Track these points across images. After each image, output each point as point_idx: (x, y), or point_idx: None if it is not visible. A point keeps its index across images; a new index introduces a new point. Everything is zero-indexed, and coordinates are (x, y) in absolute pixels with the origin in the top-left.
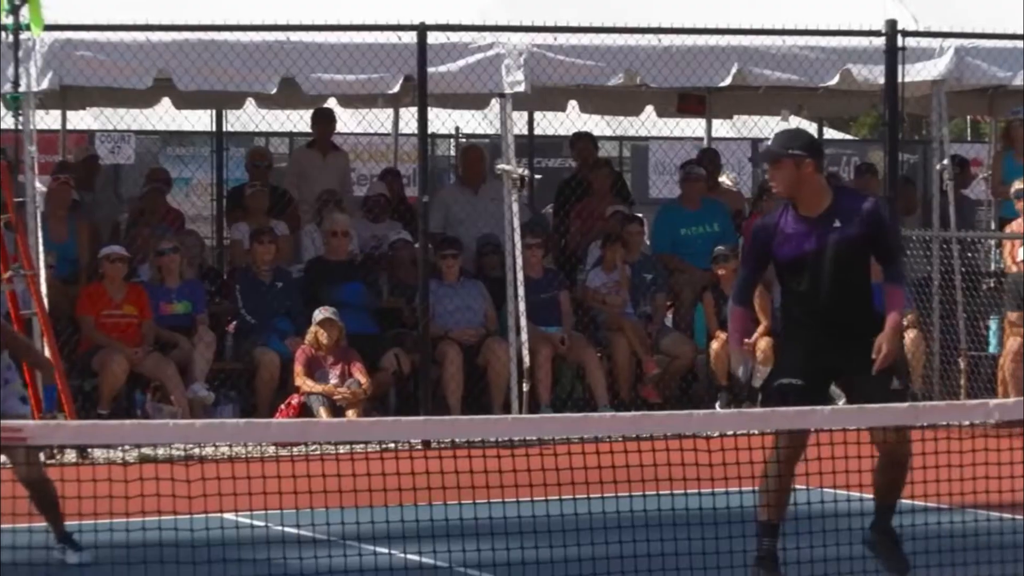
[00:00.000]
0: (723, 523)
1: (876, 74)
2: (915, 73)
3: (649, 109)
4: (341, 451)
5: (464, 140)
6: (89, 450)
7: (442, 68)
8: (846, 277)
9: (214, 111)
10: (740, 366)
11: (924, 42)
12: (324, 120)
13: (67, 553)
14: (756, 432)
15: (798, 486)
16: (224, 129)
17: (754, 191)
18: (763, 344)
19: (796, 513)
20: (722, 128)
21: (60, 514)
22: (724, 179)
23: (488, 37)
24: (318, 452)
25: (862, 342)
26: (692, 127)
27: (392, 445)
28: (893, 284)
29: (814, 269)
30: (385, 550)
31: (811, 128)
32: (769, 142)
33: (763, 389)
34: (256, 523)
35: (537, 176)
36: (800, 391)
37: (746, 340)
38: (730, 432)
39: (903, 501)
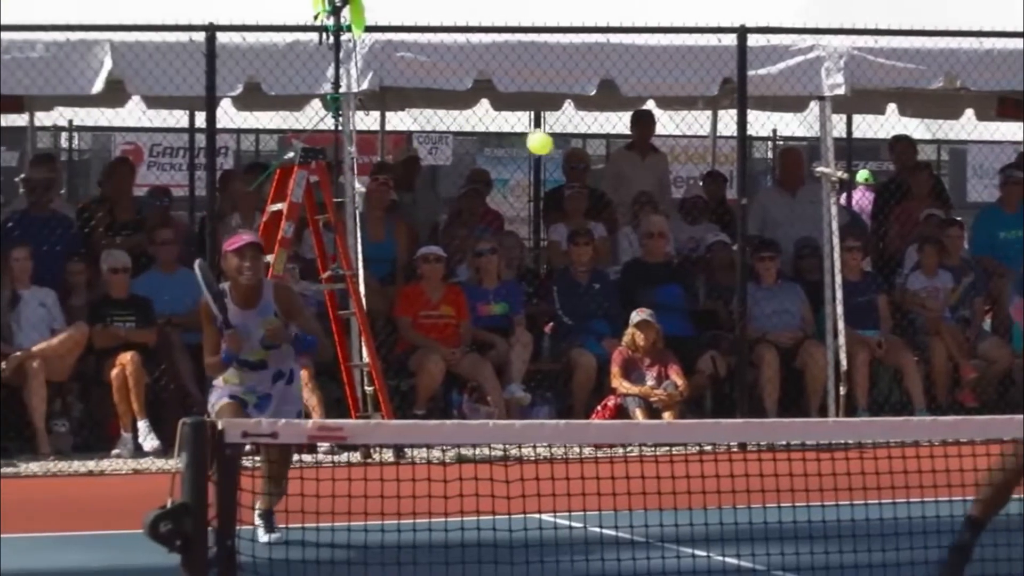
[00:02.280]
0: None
1: None
2: None
3: (969, 112)
4: (658, 453)
5: (782, 143)
6: (406, 450)
7: (761, 70)
8: None
9: (532, 112)
10: None
11: None
12: (643, 122)
13: (258, 532)
14: None
15: None
16: (543, 131)
17: None
18: None
19: None
20: None
21: (276, 502)
22: None
23: (808, 39)
24: (635, 454)
25: None
26: (1012, 131)
27: (709, 448)
28: None
29: None
30: (703, 552)
31: None
32: None
33: None
34: (574, 524)
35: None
36: None
37: None
38: None
39: None
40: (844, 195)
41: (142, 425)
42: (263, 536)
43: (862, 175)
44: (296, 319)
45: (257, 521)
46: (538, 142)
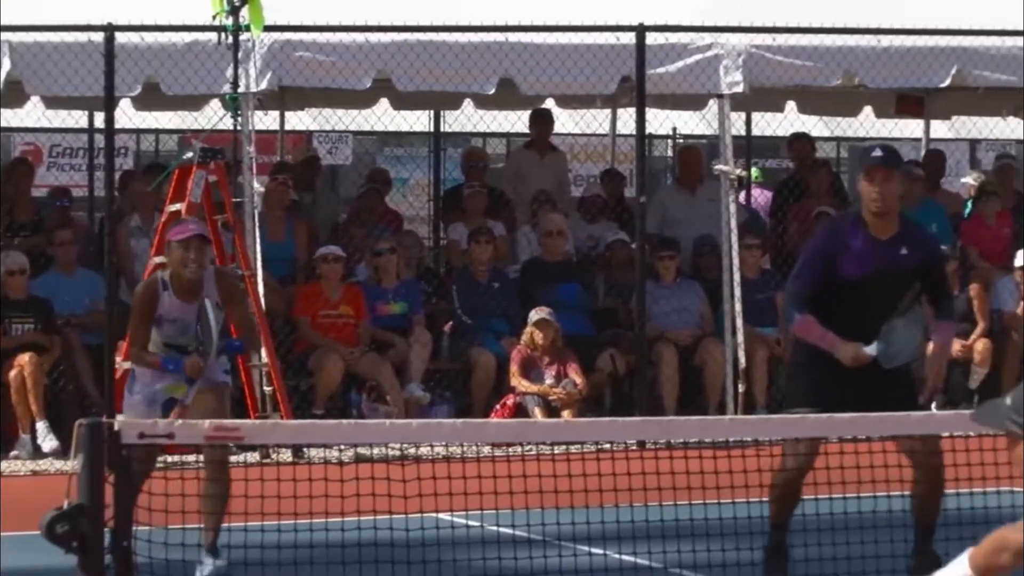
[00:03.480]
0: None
1: None
2: None
3: (867, 110)
4: (556, 451)
5: (681, 141)
6: (304, 450)
7: (660, 69)
8: (896, 305)
9: (432, 112)
10: (866, 348)
11: None
12: (542, 121)
13: (204, 564)
14: (972, 434)
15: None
16: (441, 130)
17: (973, 192)
18: (980, 346)
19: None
20: (940, 129)
21: (220, 522)
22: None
23: (707, 38)
24: (534, 452)
25: (898, 372)
26: (910, 128)
27: (608, 446)
28: (945, 319)
29: (873, 292)
30: (600, 551)
31: None
32: (876, 151)
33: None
34: (471, 523)
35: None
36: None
37: (963, 342)
38: (946, 433)
39: None
40: (744, 193)
41: (41, 426)
42: (208, 568)
43: (753, 172)
44: (234, 308)
45: (204, 558)
46: None
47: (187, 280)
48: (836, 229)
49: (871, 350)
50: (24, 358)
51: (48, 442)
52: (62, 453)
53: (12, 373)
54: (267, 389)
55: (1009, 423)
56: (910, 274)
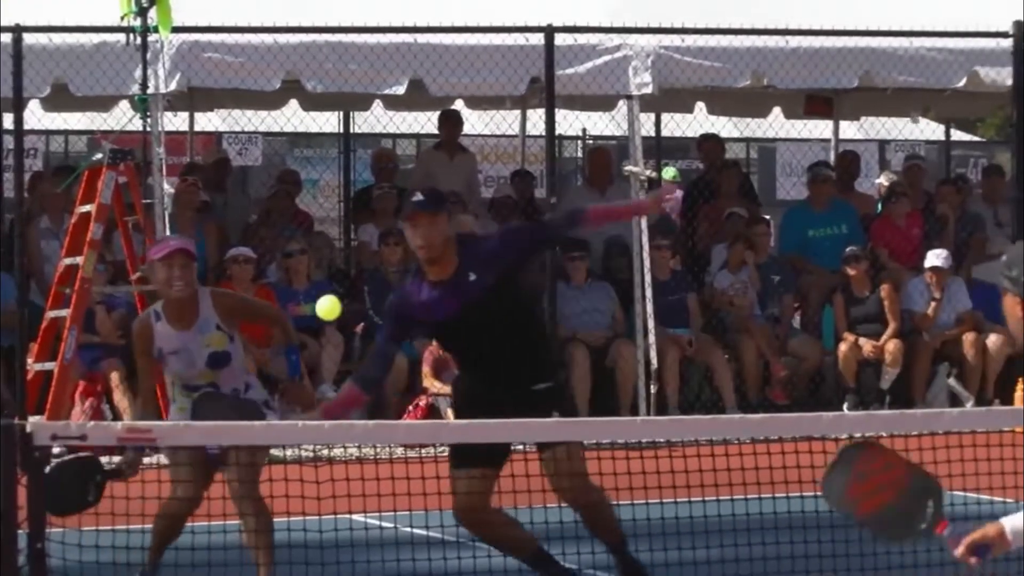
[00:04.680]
0: (852, 526)
1: (1004, 76)
2: None
3: (776, 111)
4: None
5: (591, 142)
6: None
7: (569, 70)
8: (501, 327)
9: (341, 113)
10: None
11: None
12: (451, 121)
13: None
14: (885, 434)
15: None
16: (351, 131)
17: (883, 193)
18: (891, 346)
19: None
20: (849, 130)
21: (270, 556)
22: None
23: (615, 39)
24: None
25: (539, 394)
26: (820, 129)
27: (520, 447)
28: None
29: (465, 331)
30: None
31: (938, 130)
32: (417, 195)
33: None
34: (384, 524)
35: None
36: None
37: (874, 343)
38: (858, 434)
39: None
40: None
41: None
42: None
43: (668, 172)
44: (250, 318)
45: None
46: (327, 308)
47: (176, 300)
48: (403, 294)
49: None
50: None
51: None
52: None
53: None
54: None
55: (1002, 278)
56: (501, 288)
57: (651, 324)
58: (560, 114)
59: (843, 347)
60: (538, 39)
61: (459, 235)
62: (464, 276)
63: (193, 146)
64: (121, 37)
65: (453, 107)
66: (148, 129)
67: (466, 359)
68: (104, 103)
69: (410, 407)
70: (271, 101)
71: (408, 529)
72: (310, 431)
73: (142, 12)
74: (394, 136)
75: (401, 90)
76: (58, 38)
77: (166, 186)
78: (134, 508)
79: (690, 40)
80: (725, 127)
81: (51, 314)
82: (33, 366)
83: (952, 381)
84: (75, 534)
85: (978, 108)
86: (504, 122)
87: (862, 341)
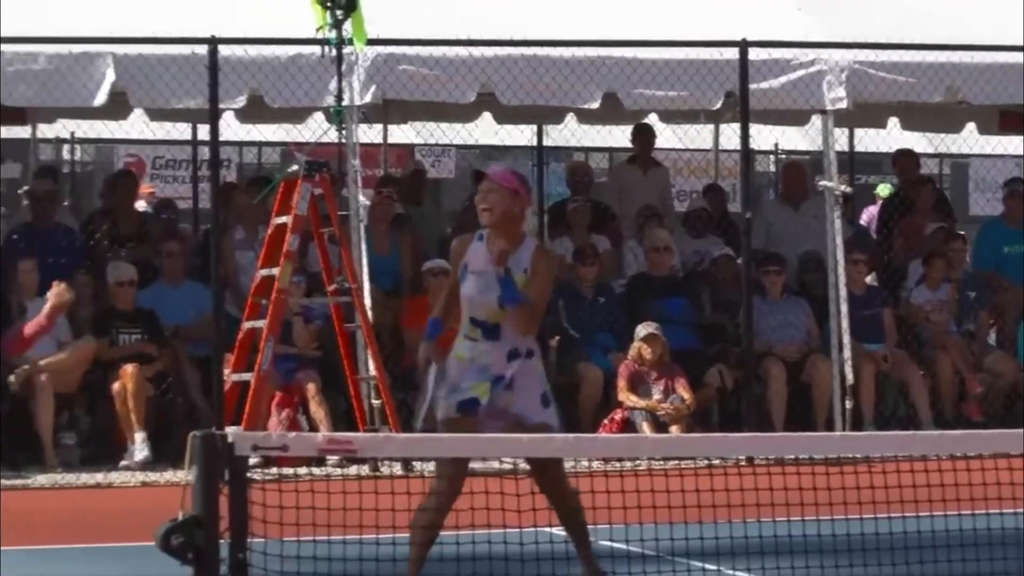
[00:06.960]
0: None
1: None
2: None
3: (970, 126)
4: (667, 466)
5: (783, 156)
6: (414, 463)
7: (763, 84)
8: None
9: (535, 126)
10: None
11: None
12: (645, 135)
13: None
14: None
15: None
16: (544, 144)
17: None
18: None
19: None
20: None
21: (586, 537)
22: None
23: (810, 53)
24: (643, 467)
25: None
26: (1014, 145)
27: (717, 461)
28: None
29: None
30: (713, 566)
31: None
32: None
33: None
34: None
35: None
36: None
37: None
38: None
39: None
40: (866, 208)
41: (138, 437)
42: None
43: (884, 190)
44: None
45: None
46: None
47: (491, 229)
48: None
49: None
50: (127, 369)
51: (140, 453)
52: (154, 464)
53: (116, 385)
54: (375, 402)
55: None
56: None
57: (846, 339)
58: (753, 128)
59: None
60: (732, 53)
61: None
62: None
63: (387, 158)
64: (316, 49)
65: (646, 121)
66: (343, 141)
67: None
68: (298, 114)
69: (606, 420)
70: (465, 114)
71: (607, 543)
72: (510, 444)
73: (337, 25)
74: (587, 150)
75: (595, 104)
76: (253, 50)
77: (361, 198)
78: (335, 519)
79: (884, 55)
80: (919, 142)
81: (247, 325)
82: (230, 376)
83: None
84: (276, 544)
85: None
86: (698, 136)
87: None
